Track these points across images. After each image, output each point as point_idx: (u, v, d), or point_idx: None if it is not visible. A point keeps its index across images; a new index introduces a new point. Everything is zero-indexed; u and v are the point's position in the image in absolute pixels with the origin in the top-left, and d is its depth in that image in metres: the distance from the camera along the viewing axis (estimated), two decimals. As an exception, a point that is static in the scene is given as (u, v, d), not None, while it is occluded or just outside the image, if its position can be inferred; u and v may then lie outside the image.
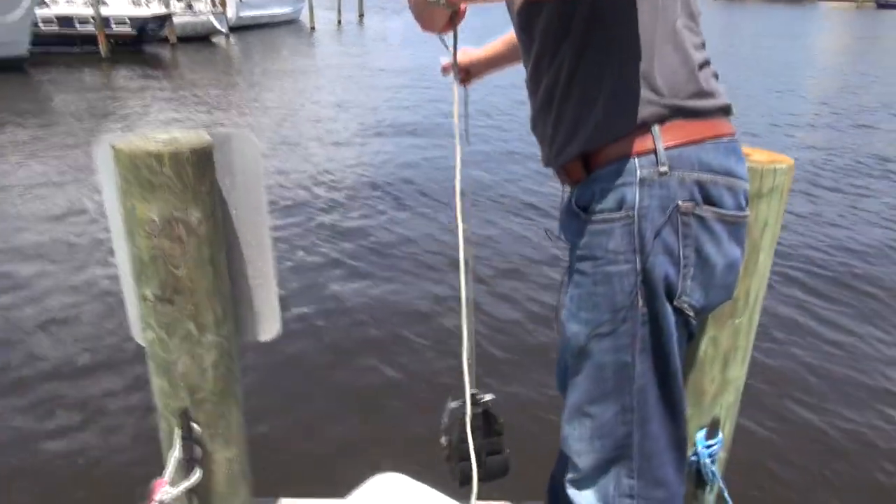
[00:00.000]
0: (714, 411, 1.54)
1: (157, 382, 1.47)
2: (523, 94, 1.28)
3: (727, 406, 1.56)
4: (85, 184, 6.53)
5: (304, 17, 32.77)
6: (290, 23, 34.43)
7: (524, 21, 1.19)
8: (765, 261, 1.41)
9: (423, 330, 3.92)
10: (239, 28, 28.52)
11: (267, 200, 1.54)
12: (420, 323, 4.01)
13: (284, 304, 1.65)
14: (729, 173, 1.09)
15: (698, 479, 1.56)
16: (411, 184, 6.77)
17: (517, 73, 1.37)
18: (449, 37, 1.35)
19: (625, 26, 1.06)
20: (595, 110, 1.10)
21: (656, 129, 1.07)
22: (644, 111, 1.07)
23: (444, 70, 1.71)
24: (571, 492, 1.32)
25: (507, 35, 1.61)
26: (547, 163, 1.26)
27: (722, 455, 1.62)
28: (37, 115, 9.87)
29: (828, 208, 6.16)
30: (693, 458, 1.53)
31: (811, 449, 2.98)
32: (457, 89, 1.42)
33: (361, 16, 37.64)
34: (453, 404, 1.92)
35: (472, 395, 1.90)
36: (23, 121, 9.37)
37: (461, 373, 1.41)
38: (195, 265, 1.36)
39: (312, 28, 30.92)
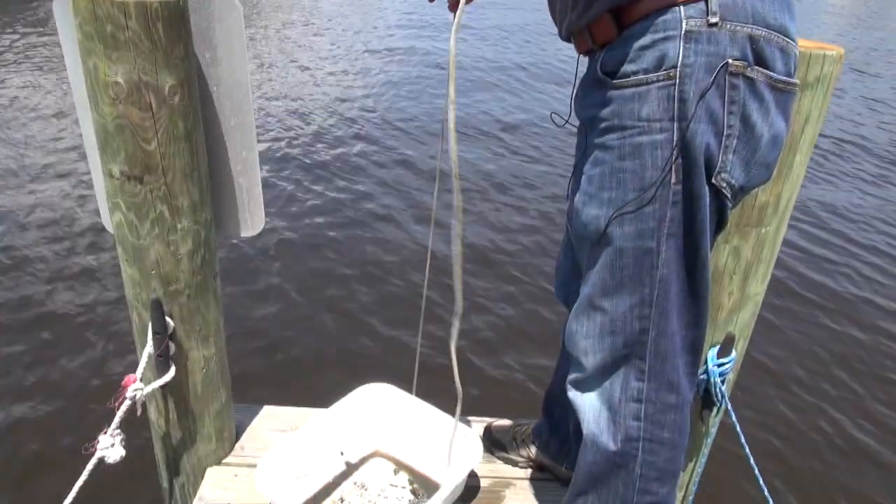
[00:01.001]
0: (728, 328, 1.44)
1: (127, 271, 1.34)
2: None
3: (743, 324, 1.45)
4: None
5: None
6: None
7: None
8: (801, 163, 1.27)
9: (409, 239, 3.81)
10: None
11: (250, 78, 1.38)
12: (406, 232, 3.89)
13: (265, 198, 1.52)
14: (784, 31, 0.95)
15: (705, 399, 1.47)
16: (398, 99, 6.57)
17: None
18: None
19: None
20: None
21: None
22: None
23: None
24: (572, 394, 1.21)
25: None
26: (567, 31, 1.10)
27: (731, 377, 1.52)
28: (35, 24, 9.48)
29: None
30: (702, 377, 1.43)
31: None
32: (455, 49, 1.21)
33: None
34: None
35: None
36: (22, 27, 8.99)
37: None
38: (168, 140, 1.22)
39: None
